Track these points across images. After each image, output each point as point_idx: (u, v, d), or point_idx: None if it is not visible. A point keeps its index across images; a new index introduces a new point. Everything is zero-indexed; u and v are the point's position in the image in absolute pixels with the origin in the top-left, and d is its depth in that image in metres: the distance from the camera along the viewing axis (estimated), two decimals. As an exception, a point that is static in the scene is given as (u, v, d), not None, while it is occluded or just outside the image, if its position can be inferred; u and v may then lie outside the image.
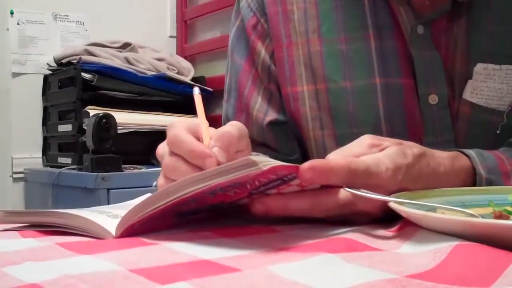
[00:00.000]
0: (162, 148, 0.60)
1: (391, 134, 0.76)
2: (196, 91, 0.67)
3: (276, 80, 0.86)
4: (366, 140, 0.59)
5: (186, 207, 0.51)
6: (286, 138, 0.87)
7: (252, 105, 0.88)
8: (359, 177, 0.53)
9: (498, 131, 0.77)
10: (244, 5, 0.89)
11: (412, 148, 0.59)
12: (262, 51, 0.87)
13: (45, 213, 0.55)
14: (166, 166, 0.58)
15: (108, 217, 0.54)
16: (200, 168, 0.54)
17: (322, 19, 0.82)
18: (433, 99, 0.78)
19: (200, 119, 0.63)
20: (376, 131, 0.61)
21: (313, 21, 0.83)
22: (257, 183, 0.49)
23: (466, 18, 0.77)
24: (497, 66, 0.76)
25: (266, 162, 0.46)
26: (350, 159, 0.54)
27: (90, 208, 0.62)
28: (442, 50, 0.78)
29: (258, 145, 0.88)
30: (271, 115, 0.87)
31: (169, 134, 0.58)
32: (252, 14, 0.87)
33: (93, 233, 0.51)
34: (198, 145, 0.56)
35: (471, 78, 0.77)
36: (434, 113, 0.78)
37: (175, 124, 0.59)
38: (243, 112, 0.89)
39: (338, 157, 0.57)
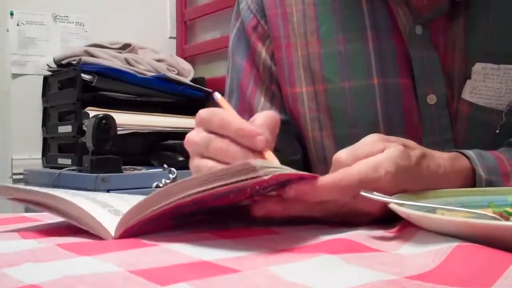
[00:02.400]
0: (199, 135, 0.59)
1: (389, 134, 0.76)
2: (218, 95, 0.66)
3: (277, 81, 0.87)
4: (378, 142, 0.58)
5: (187, 209, 0.51)
6: (288, 138, 0.87)
7: (255, 105, 0.88)
8: (353, 190, 0.53)
9: (497, 131, 0.77)
10: (244, 7, 0.89)
11: (415, 150, 0.59)
12: (263, 52, 0.87)
13: (48, 195, 0.55)
14: (217, 149, 0.57)
15: (109, 212, 0.54)
16: (249, 149, 0.55)
17: (320, 20, 0.83)
18: (431, 99, 0.78)
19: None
20: (374, 131, 0.60)
21: (311, 22, 0.83)
22: (257, 187, 0.49)
23: (464, 17, 0.78)
24: (496, 66, 0.76)
25: (267, 169, 0.46)
26: (341, 174, 0.53)
27: (92, 193, 0.61)
28: (440, 50, 0.78)
29: None
30: None
31: (215, 118, 0.58)
32: (252, 15, 0.88)
33: (91, 228, 0.51)
34: (247, 124, 0.57)
35: (469, 78, 0.77)
36: (432, 113, 0.78)
37: (215, 109, 0.59)
38: (246, 112, 0.88)
39: (350, 159, 0.55)
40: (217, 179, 0.46)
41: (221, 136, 0.57)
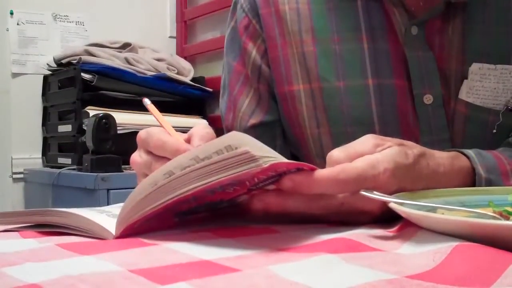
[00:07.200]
0: (141, 157, 0.62)
1: (385, 134, 0.76)
2: (148, 101, 0.70)
3: (267, 81, 0.87)
4: (370, 140, 0.58)
5: (186, 206, 0.51)
6: (268, 138, 0.89)
7: (239, 107, 0.90)
8: (350, 185, 0.53)
9: (494, 131, 0.78)
10: (238, 6, 0.90)
11: (413, 149, 0.59)
12: (253, 51, 0.87)
13: (44, 212, 0.55)
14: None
15: (108, 216, 0.54)
16: None
17: (315, 19, 0.83)
18: (428, 99, 0.78)
19: (164, 123, 0.66)
20: (370, 131, 0.61)
21: (306, 20, 0.83)
22: (256, 180, 0.49)
23: (461, 18, 0.78)
24: (492, 66, 0.77)
25: (266, 158, 0.46)
26: (339, 169, 0.53)
27: (89, 208, 0.62)
28: (436, 50, 0.78)
29: None
30: (256, 118, 0.89)
31: (152, 140, 0.60)
32: (244, 15, 0.88)
33: (93, 233, 0.51)
34: (182, 144, 0.59)
35: (466, 78, 0.77)
36: (429, 113, 0.78)
37: (151, 130, 0.62)
38: (231, 111, 0.92)
39: (342, 155, 0.56)
40: (217, 171, 0.46)
41: (160, 157, 0.60)
